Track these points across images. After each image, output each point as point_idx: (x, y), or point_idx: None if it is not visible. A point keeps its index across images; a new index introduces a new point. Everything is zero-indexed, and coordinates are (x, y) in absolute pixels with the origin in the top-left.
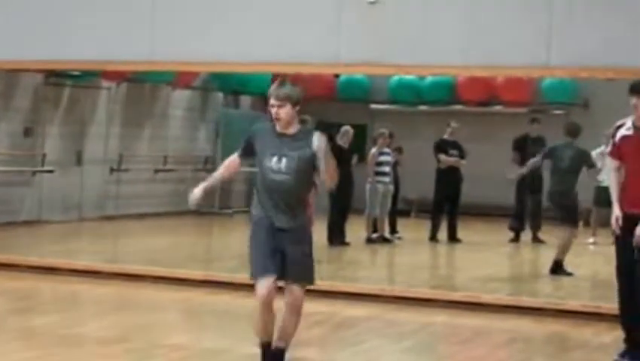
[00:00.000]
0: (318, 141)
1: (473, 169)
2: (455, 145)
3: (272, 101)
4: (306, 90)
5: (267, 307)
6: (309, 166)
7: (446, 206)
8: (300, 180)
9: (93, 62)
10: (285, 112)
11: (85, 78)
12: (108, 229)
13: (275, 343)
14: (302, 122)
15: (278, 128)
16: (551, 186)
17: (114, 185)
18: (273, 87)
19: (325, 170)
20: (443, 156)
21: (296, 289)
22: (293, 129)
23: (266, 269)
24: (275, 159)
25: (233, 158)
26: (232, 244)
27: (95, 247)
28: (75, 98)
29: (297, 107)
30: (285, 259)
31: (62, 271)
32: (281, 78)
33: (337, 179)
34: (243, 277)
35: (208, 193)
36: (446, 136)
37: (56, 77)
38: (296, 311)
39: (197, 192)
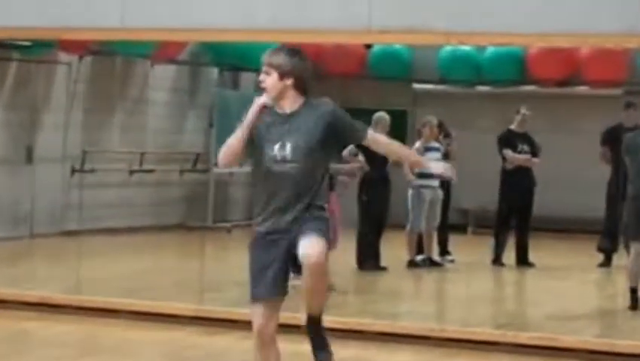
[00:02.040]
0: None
1: (549, 170)
2: (525, 138)
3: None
4: (328, 66)
5: (265, 340)
6: (320, 150)
7: (514, 219)
8: (311, 166)
9: (48, 28)
10: (270, 82)
11: (38, 50)
12: (69, 249)
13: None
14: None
15: (278, 107)
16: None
17: (75, 190)
18: (267, 50)
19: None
20: (509, 153)
21: (313, 243)
22: (290, 107)
23: (262, 291)
24: (277, 145)
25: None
26: (230, 269)
27: (52, 273)
28: (25, 77)
29: (289, 81)
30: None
31: (8, 304)
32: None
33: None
34: (246, 312)
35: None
36: (513, 126)
37: None
38: (318, 273)
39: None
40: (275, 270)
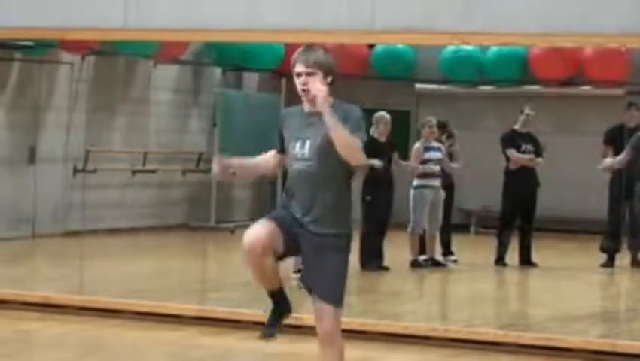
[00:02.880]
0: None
1: (552, 170)
2: (529, 138)
3: (298, 69)
4: None
5: (255, 251)
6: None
7: (518, 219)
8: (329, 166)
9: (50, 29)
10: (318, 82)
11: (40, 50)
12: (71, 249)
13: None
14: None
15: (306, 107)
16: None
17: (78, 190)
18: (299, 51)
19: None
20: (513, 153)
21: (324, 311)
22: None
23: (269, 216)
24: (298, 144)
25: (270, 153)
26: (234, 269)
27: (54, 273)
28: (27, 77)
29: (329, 80)
30: (306, 259)
31: (10, 305)
32: (306, 46)
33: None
34: (249, 312)
35: (236, 169)
36: (517, 126)
37: (1, 48)
38: (328, 342)
39: (227, 161)
40: (292, 229)
